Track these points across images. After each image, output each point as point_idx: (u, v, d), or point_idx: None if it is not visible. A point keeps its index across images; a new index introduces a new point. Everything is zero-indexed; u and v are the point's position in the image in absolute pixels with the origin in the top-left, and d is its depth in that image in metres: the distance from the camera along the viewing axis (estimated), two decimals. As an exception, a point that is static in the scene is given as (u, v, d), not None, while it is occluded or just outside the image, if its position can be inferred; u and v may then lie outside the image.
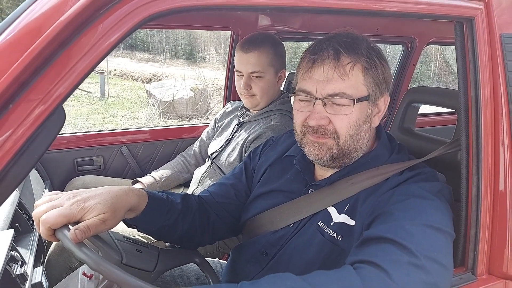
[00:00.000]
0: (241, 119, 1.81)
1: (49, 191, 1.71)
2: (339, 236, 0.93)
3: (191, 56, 18.06)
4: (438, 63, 14.32)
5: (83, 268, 0.97)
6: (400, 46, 2.63)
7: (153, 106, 8.12)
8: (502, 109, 0.82)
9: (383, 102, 1.00)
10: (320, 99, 0.92)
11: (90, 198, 0.82)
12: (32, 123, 0.47)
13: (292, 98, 1.03)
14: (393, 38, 2.49)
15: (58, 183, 1.94)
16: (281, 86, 1.81)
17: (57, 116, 0.50)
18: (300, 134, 1.00)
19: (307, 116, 0.95)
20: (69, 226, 0.78)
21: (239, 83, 1.70)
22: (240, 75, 1.69)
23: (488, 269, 0.88)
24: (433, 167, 0.98)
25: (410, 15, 0.83)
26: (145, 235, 1.16)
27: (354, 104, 0.91)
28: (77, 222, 0.78)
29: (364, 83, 0.93)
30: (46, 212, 0.77)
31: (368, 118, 0.97)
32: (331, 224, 0.96)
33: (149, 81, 12.76)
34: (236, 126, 1.81)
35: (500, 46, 0.81)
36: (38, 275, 1.14)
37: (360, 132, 0.96)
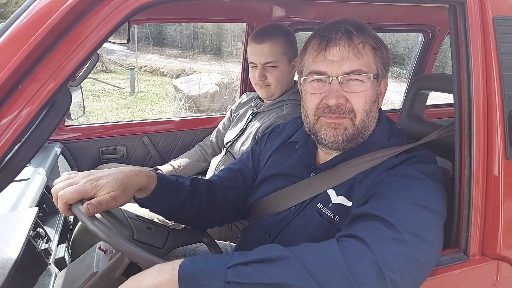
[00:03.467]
0: (255, 109, 1.85)
1: (75, 177, 1.83)
2: (336, 217, 0.96)
3: (219, 51, 18.16)
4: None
5: (100, 244, 1.06)
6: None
7: (180, 100, 8.31)
8: (495, 91, 0.82)
9: (384, 84, 1.03)
10: (336, 78, 0.95)
11: (102, 177, 0.89)
12: (42, 100, 0.54)
13: (301, 83, 1.04)
14: (413, 27, 2.44)
15: (84, 171, 2.06)
16: (294, 75, 1.84)
17: (64, 95, 0.57)
18: (313, 118, 1.01)
19: (322, 97, 0.97)
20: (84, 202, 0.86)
21: (253, 74, 1.74)
22: (254, 67, 1.73)
23: (482, 250, 0.88)
24: (435, 151, 0.99)
25: (404, 0, 0.84)
26: (158, 217, 1.24)
27: (371, 79, 0.95)
28: (91, 199, 0.86)
29: (374, 62, 0.97)
30: (63, 189, 0.86)
31: (377, 97, 1.01)
32: (330, 205, 0.99)
33: (178, 76, 12.96)
34: (251, 116, 1.86)
35: (493, 29, 0.81)
36: (61, 251, 1.25)
37: (373, 110, 0.99)
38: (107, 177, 0.90)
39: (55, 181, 0.91)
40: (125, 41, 1.45)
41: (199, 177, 2.15)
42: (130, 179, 0.93)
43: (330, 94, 0.96)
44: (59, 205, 0.86)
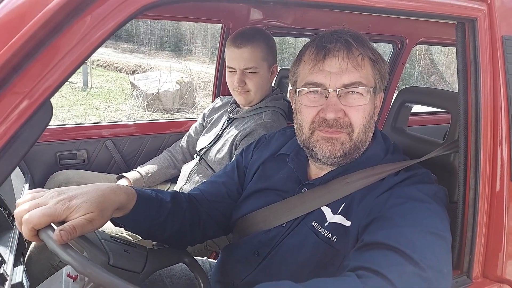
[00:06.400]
0: (231, 115, 1.77)
1: (29, 186, 1.64)
2: (334, 237, 0.91)
3: (177, 48, 17.77)
4: (422, 63, 14.51)
5: (67, 269, 0.93)
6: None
7: (138, 98, 7.96)
8: (501, 112, 0.81)
9: (379, 98, 1.00)
10: (334, 90, 0.90)
11: (76, 197, 0.77)
12: (17, 119, 0.42)
13: (295, 94, 0.99)
14: (384, 37, 2.49)
15: (39, 178, 1.87)
16: (272, 81, 1.78)
17: (44, 111, 0.46)
18: (308, 132, 0.96)
19: (319, 110, 0.92)
20: (54, 226, 0.74)
21: (231, 80, 1.66)
22: (233, 71, 1.65)
23: (483, 272, 0.87)
24: (423, 166, 0.98)
25: (412, 13, 0.81)
26: (132, 233, 1.12)
27: (371, 93, 0.92)
28: (62, 222, 0.74)
29: (373, 75, 0.94)
30: (28, 211, 0.73)
31: (374, 111, 0.98)
32: (326, 224, 0.94)
33: (134, 72, 12.52)
34: (226, 122, 1.78)
35: (501, 49, 0.80)
36: (18, 275, 1.08)
37: (370, 125, 0.96)
38: (81, 196, 0.78)
39: (18, 201, 0.77)
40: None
41: (169, 184, 2.03)
42: (107, 198, 0.82)
43: (328, 107, 0.91)
44: (24, 231, 0.73)
